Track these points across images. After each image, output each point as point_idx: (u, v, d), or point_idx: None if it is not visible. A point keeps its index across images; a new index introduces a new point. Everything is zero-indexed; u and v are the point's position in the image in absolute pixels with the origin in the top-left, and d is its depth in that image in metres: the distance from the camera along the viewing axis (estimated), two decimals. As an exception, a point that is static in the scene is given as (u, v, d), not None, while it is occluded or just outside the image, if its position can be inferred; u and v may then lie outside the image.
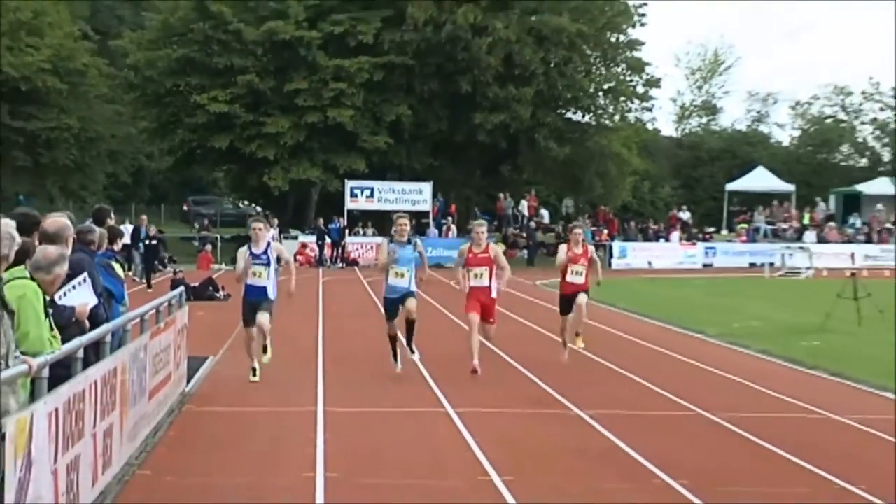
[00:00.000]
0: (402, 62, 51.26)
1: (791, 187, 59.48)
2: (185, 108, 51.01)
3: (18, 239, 7.11)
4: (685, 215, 58.12)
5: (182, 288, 16.92)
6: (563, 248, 17.80)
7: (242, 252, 15.24)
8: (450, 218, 51.87)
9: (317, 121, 50.40)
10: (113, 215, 13.61)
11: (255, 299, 15.05)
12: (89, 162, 56.79)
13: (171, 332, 13.17)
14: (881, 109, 77.76)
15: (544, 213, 57.35)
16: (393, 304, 15.61)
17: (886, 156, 77.05)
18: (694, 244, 53.09)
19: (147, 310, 11.93)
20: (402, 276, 15.43)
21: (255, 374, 15.18)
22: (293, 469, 10.29)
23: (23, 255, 7.52)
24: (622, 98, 56.93)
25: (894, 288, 29.57)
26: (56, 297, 8.86)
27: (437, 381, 15.41)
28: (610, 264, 46.24)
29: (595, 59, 56.67)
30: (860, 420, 13.24)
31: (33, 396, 7.18)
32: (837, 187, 64.02)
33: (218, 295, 28.53)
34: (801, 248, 49.91)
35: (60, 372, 7.76)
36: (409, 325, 15.58)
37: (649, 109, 59.49)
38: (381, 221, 49.25)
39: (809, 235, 53.36)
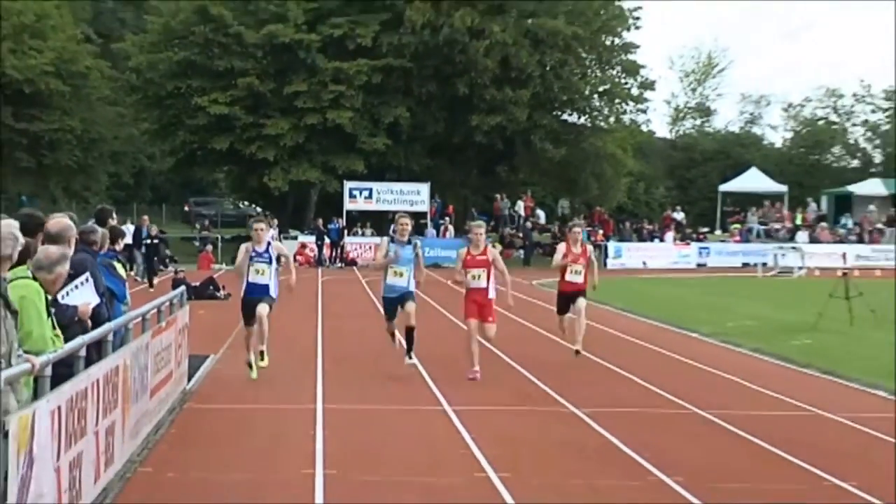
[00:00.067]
0: (400, 65, 51.29)
1: (783, 188, 59.55)
2: (186, 110, 51.01)
3: (22, 239, 7.11)
4: (679, 216, 58.13)
5: (183, 287, 16.91)
6: (560, 247, 17.73)
7: (244, 248, 15.08)
8: (447, 218, 51.94)
9: (316, 122, 50.43)
10: (115, 216, 13.62)
11: (256, 297, 14.89)
12: (92, 163, 56.79)
13: (173, 331, 13.15)
14: (872, 111, 77.99)
15: (540, 213, 57.36)
16: (391, 303, 15.56)
17: (877, 157, 77.15)
18: (688, 244, 53.07)
19: (148, 309, 11.92)
20: (401, 275, 15.35)
21: (252, 369, 15.06)
22: (293, 466, 10.28)
23: (24, 255, 7.51)
24: (617, 100, 56.93)
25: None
26: (59, 297, 8.86)
27: (435, 380, 15.37)
28: (605, 264, 46.21)
29: (590, 62, 56.69)
30: (852, 418, 13.23)
31: (36, 394, 7.17)
32: (829, 188, 64.04)
33: (218, 294, 28.50)
34: (794, 248, 49.92)
35: (63, 370, 7.76)
36: (409, 333, 15.46)
37: (644, 111, 59.54)
38: (379, 222, 49.38)
39: (801, 236, 53.37)
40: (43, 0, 54.06)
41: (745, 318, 25.41)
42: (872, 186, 60.77)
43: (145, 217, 38.56)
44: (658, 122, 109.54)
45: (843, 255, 31.42)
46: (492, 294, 15.78)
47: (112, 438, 9.11)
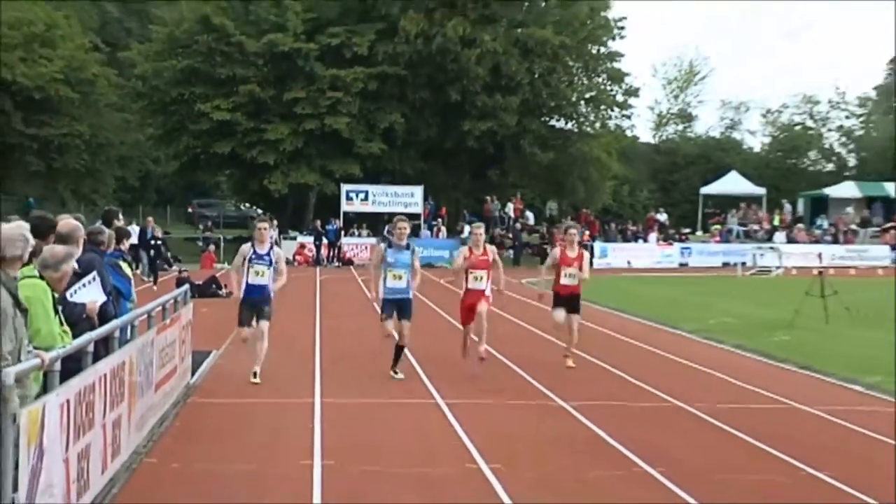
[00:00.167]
0: (394, 72, 51.27)
1: (762, 191, 59.63)
2: (190, 115, 50.93)
3: (32, 241, 7.09)
4: (662, 217, 58.17)
5: (187, 286, 16.87)
6: (556, 251, 17.19)
7: (245, 249, 14.77)
8: (440, 220, 51.94)
9: (314, 128, 50.41)
10: (121, 217, 13.57)
11: (256, 297, 14.62)
12: (99, 167, 56.81)
13: (177, 328, 13.11)
14: (847, 117, 78.31)
15: (529, 215, 57.32)
16: (390, 303, 15.16)
17: (852, 161, 77.46)
18: (670, 244, 53.09)
19: (154, 306, 11.88)
20: (400, 278, 14.99)
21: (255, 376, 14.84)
22: (292, 457, 10.27)
23: (30, 255, 7.49)
24: (603, 106, 56.99)
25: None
26: (67, 295, 8.85)
27: (430, 376, 15.34)
28: (591, 264, 46.04)
29: (577, 70, 56.68)
30: (828, 411, 13.27)
31: (45, 389, 7.16)
32: (805, 191, 64.17)
33: (221, 292, 28.42)
34: (772, 248, 50.02)
35: (71, 365, 7.74)
36: (398, 350, 15.21)
37: (628, 117, 59.49)
38: (374, 223, 49.37)
39: (779, 236, 53.44)
40: (52, 10, 54.15)
41: (725, 315, 25.43)
42: (847, 189, 60.90)
43: (150, 218, 38.50)
44: (642, 127, 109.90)
45: (819, 255, 31.40)
46: (487, 291, 15.53)
47: (119, 431, 9.09)
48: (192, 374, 14.64)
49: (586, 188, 58.72)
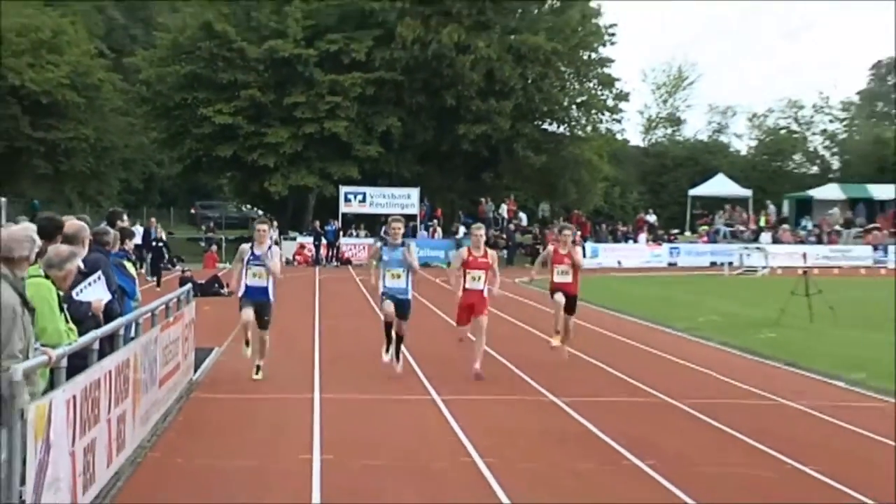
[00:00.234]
0: (391, 78, 51.27)
1: (748, 192, 59.59)
2: (193, 119, 50.88)
3: (39, 242, 7.08)
4: (651, 218, 58.19)
5: (189, 285, 16.88)
6: (549, 249, 17.14)
7: (243, 250, 14.64)
8: (436, 221, 51.99)
9: (313, 132, 50.38)
10: (126, 218, 13.54)
11: (255, 299, 14.46)
12: (104, 170, 56.70)
13: (180, 326, 13.11)
14: (830, 121, 78.30)
15: (522, 216, 57.30)
16: (390, 297, 14.85)
17: (835, 164, 77.40)
18: (659, 245, 53.10)
19: (157, 305, 11.88)
20: (398, 276, 14.80)
21: (252, 364, 14.89)
22: (292, 452, 10.26)
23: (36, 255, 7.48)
24: (594, 111, 56.95)
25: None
26: (73, 294, 8.85)
27: (426, 374, 15.32)
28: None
29: (569, 75, 56.67)
30: (812, 406, 13.28)
31: (52, 385, 7.15)
32: (791, 193, 64.14)
33: (223, 291, 28.37)
34: (758, 248, 50.03)
35: (77, 362, 7.74)
36: (398, 339, 15.09)
37: (619, 121, 59.46)
38: (372, 224, 49.39)
39: (765, 237, 53.47)
40: (59, 17, 54.10)
41: (713, 313, 25.42)
42: (830, 191, 60.99)
43: (153, 219, 38.52)
44: (632, 130, 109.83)
45: (804, 255, 31.43)
46: (485, 293, 15.40)
47: (123, 426, 9.09)
48: (195, 370, 14.63)
49: (578, 190, 58.70)
